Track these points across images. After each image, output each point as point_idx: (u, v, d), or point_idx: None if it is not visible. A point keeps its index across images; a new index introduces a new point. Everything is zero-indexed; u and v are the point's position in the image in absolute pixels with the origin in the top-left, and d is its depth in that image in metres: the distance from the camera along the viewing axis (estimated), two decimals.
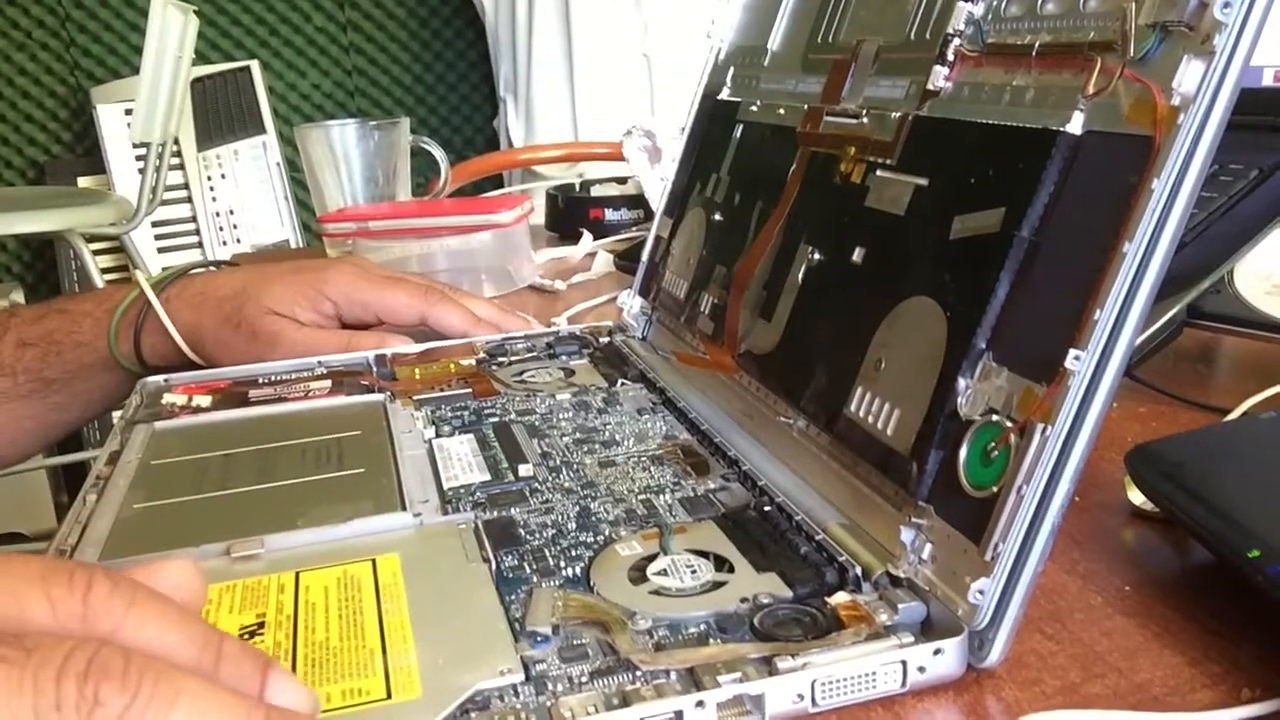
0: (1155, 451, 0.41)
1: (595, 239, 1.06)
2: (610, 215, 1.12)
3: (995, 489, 0.33)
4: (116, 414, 0.61)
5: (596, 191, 1.18)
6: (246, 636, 0.35)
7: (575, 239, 1.06)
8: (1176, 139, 0.30)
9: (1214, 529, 0.36)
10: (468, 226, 0.92)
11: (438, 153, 1.16)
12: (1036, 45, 0.37)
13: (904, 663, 0.32)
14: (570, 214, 1.15)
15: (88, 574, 0.25)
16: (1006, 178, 0.37)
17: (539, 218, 1.15)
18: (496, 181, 2.12)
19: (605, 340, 0.69)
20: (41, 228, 1.89)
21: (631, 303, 0.70)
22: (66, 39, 2.52)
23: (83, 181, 2.48)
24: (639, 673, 0.32)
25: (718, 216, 0.61)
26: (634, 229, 1.11)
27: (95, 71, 2.54)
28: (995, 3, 0.40)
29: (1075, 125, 0.34)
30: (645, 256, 0.70)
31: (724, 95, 0.65)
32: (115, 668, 0.23)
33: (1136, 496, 0.43)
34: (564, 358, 0.66)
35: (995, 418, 0.34)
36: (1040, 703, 0.32)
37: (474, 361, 0.65)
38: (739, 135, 0.61)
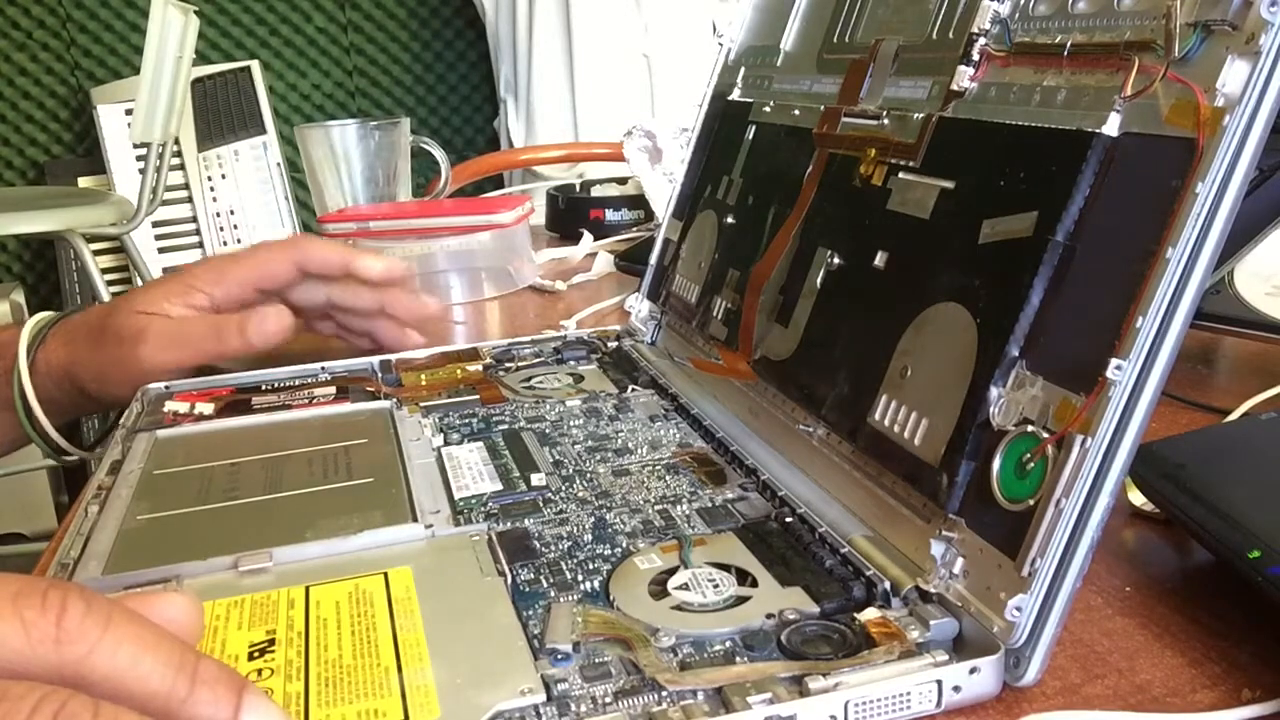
0: (1155, 452, 0.41)
1: (595, 239, 1.05)
2: (610, 216, 1.12)
3: (1032, 502, 0.32)
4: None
5: (597, 192, 1.18)
6: (257, 654, 0.34)
7: (575, 239, 1.05)
8: (1221, 141, 0.29)
9: (1214, 530, 0.36)
10: (468, 227, 0.91)
11: (438, 153, 1.15)
12: (1068, 45, 0.36)
13: (939, 682, 0.31)
14: (570, 214, 1.14)
15: (62, 595, 0.25)
16: (1039, 180, 0.36)
17: (539, 218, 1.15)
18: (497, 182, 2.12)
19: (614, 345, 0.68)
20: (42, 228, 1.88)
21: (640, 306, 0.69)
22: (67, 39, 2.51)
23: (83, 182, 2.47)
24: (665, 693, 0.31)
25: (730, 219, 0.60)
26: (634, 229, 1.11)
27: (96, 72, 2.53)
28: (1023, 2, 0.39)
29: (1111, 127, 0.33)
30: (654, 259, 0.69)
31: (735, 96, 0.64)
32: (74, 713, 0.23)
33: (1137, 497, 0.43)
34: (572, 363, 0.65)
35: (1030, 428, 0.33)
36: (1040, 703, 0.32)
37: (480, 367, 0.64)
38: (751, 136, 0.60)
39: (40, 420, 0.64)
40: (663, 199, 0.77)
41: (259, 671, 0.33)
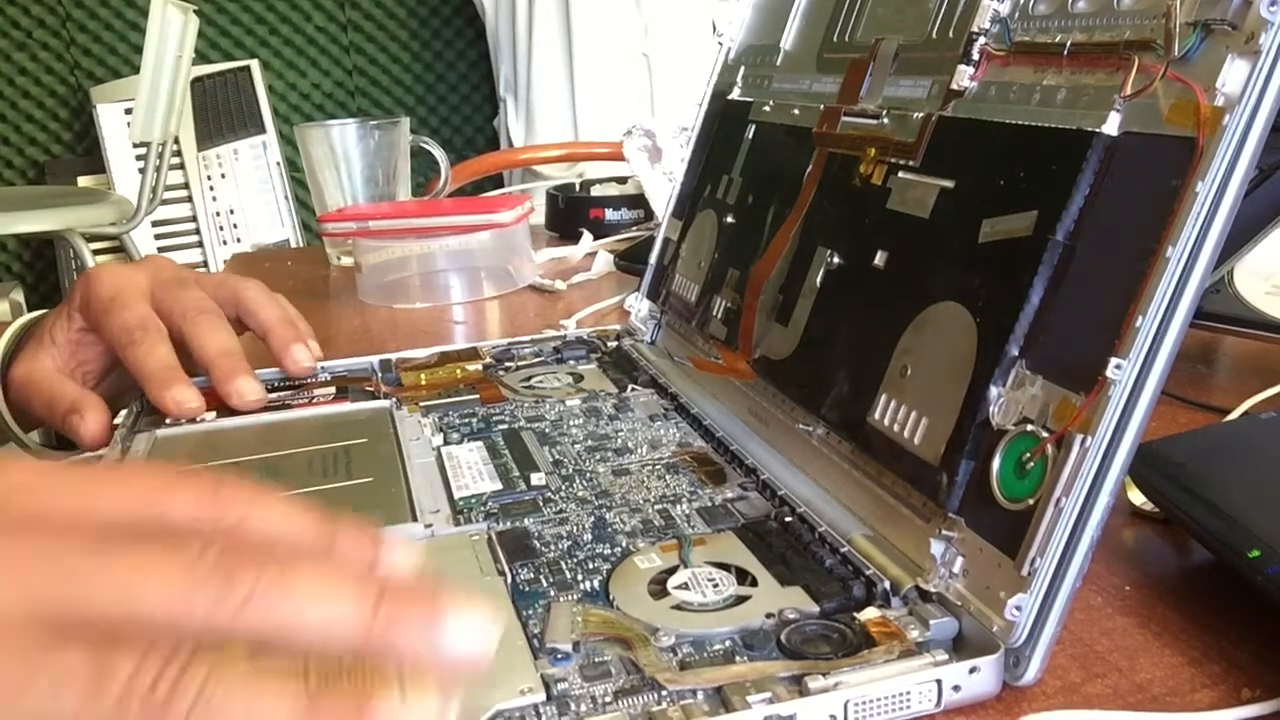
0: (1155, 452, 0.41)
1: (595, 239, 1.05)
2: (610, 215, 1.12)
3: (1032, 501, 0.32)
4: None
5: (596, 191, 1.18)
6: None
7: (575, 239, 1.05)
8: (1221, 140, 0.29)
9: (1214, 529, 0.36)
10: (468, 226, 0.91)
11: (438, 152, 1.15)
12: (1068, 44, 0.36)
13: (939, 681, 0.31)
14: (570, 214, 1.14)
15: (215, 476, 0.29)
16: (1039, 180, 0.36)
17: (539, 218, 1.15)
18: (497, 181, 2.12)
19: (613, 344, 0.68)
20: (41, 227, 1.88)
21: (639, 306, 0.69)
22: (66, 39, 2.51)
23: (83, 181, 2.47)
24: (664, 692, 0.31)
25: (730, 219, 0.60)
26: (634, 229, 1.10)
27: (95, 71, 2.53)
28: (1023, 1, 0.39)
29: (1111, 126, 0.33)
30: (653, 259, 0.69)
31: (735, 95, 0.64)
32: (248, 552, 0.26)
33: (1137, 497, 0.43)
34: (572, 362, 0.65)
35: (1030, 428, 0.33)
36: (1041, 703, 0.32)
37: (480, 367, 0.64)
38: (751, 136, 0.60)
39: (14, 429, 0.64)
40: (662, 198, 0.77)
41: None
